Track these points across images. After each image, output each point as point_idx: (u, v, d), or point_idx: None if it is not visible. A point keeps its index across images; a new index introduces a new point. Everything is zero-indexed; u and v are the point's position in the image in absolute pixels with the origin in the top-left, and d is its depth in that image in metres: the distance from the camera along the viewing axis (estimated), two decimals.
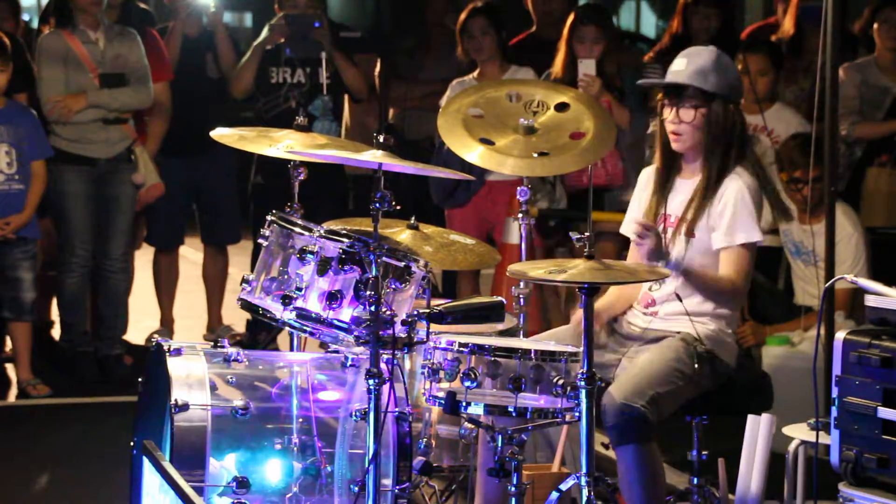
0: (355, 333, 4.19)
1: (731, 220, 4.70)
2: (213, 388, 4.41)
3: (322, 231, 4.43)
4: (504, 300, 4.36)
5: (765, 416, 4.73)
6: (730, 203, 4.72)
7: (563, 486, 4.29)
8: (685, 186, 4.84)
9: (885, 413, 4.09)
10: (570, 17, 7.31)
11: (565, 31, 7.27)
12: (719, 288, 4.72)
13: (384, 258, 4.24)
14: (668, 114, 4.80)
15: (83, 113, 7.50)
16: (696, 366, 4.65)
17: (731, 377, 4.77)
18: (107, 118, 7.57)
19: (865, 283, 4.38)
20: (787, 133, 7.13)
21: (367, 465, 4.12)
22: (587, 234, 4.31)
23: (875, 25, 7.64)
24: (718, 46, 7.48)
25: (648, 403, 4.47)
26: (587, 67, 7.02)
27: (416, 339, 4.19)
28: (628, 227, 4.89)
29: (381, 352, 4.14)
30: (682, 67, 4.79)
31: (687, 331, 4.71)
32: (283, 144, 5.02)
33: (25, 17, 8.58)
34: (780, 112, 7.28)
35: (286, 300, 4.41)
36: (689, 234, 4.76)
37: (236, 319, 8.47)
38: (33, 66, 7.60)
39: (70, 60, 7.51)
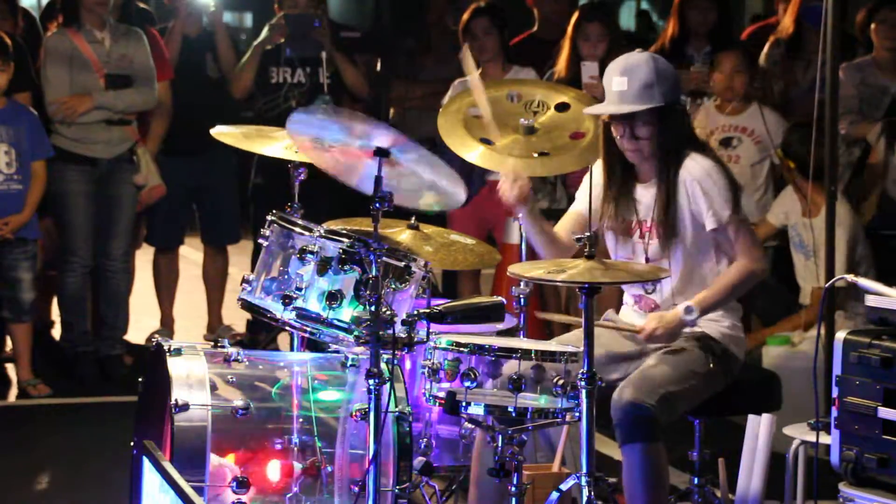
0: (355, 333, 4.18)
1: (713, 199, 4.66)
2: (214, 387, 4.41)
3: (322, 231, 4.43)
4: (504, 300, 4.36)
5: (765, 416, 4.73)
6: (696, 186, 4.67)
7: (564, 486, 4.29)
8: (646, 191, 4.79)
9: (885, 413, 4.09)
10: (575, 16, 7.31)
11: (569, 29, 7.28)
12: (738, 283, 4.67)
13: (384, 258, 4.24)
14: (619, 132, 4.72)
15: (88, 113, 7.51)
16: (712, 365, 4.65)
17: (742, 376, 4.77)
18: (111, 119, 7.57)
19: (865, 283, 4.38)
20: (764, 132, 7.14)
21: (367, 465, 4.12)
22: (587, 233, 4.31)
23: (873, 25, 7.64)
24: (715, 42, 7.59)
25: (658, 403, 4.46)
26: (591, 70, 7.01)
27: (416, 339, 4.19)
28: (577, 203, 4.89)
29: (381, 352, 4.14)
30: (625, 87, 4.65)
31: (700, 330, 4.71)
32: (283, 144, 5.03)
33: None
34: (757, 111, 7.27)
35: (286, 300, 4.41)
36: (673, 234, 4.74)
37: (236, 319, 8.47)
38: (31, 66, 7.60)
39: (76, 60, 7.51)
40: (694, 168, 4.70)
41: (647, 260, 4.76)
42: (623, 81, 4.67)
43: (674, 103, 4.72)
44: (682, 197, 4.70)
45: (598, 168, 4.89)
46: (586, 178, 4.89)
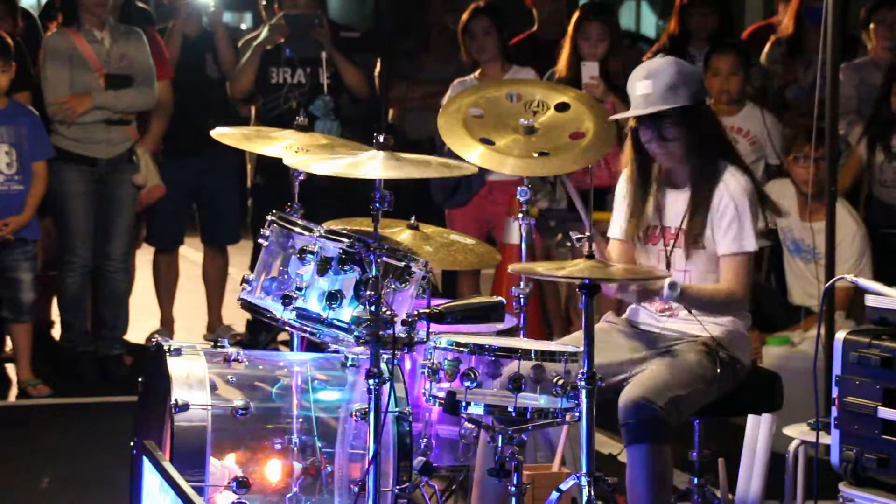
0: (355, 333, 4.18)
1: (735, 226, 4.66)
2: (213, 387, 4.41)
3: (322, 231, 4.43)
4: (504, 300, 4.35)
5: (765, 416, 4.73)
6: (730, 207, 4.67)
7: (563, 486, 4.28)
8: (678, 196, 4.78)
9: (885, 413, 4.09)
10: (575, 15, 7.31)
11: (570, 28, 7.27)
12: (718, 300, 4.69)
13: (384, 258, 4.24)
14: (647, 135, 4.72)
15: (87, 113, 7.51)
16: (719, 370, 4.64)
17: (747, 378, 4.77)
18: (111, 119, 7.58)
19: (865, 283, 4.38)
20: (762, 133, 7.14)
21: (366, 465, 4.12)
22: (587, 233, 4.30)
23: (871, 26, 7.65)
24: (717, 43, 7.58)
25: (667, 405, 4.45)
26: (591, 70, 7.01)
27: (416, 339, 4.19)
28: (616, 229, 4.90)
29: (381, 352, 4.14)
30: (650, 90, 4.65)
31: (708, 334, 4.70)
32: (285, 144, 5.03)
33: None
34: (752, 112, 7.27)
35: (286, 300, 4.41)
36: (697, 245, 4.73)
37: (236, 319, 8.47)
38: (31, 66, 7.60)
39: (75, 60, 7.51)
40: (733, 185, 4.69)
41: (668, 268, 4.75)
42: (648, 84, 4.67)
43: (700, 104, 4.73)
44: (714, 210, 4.70)
45: (623, 176, 4.89)
46: (617, 196, 4.89)
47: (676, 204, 4.78)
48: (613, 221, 4.94)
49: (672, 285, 4.54)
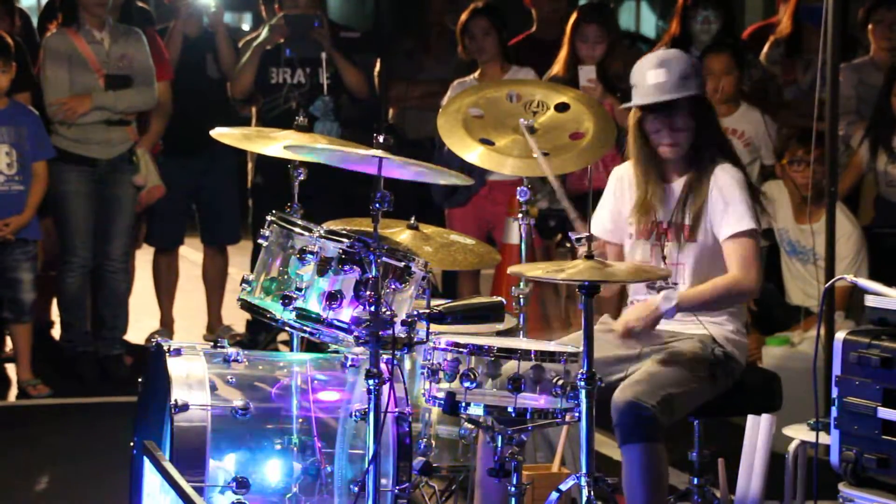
0: (355, 333, 4.18)
1: (730, 210, 4.67)
2: (213, 388, 4.41)
3: (322, 231, 4.43)
4: (504, 300, 4.35)
5: (765, 417, 4.73)
6: (720, 197, 4.69)
7: (563, 486, 4.29)
8: (671, 190, 4.81)
9: (885, 413, 4.09)
10: (573, 17, 7.30)
11: (568, 30, 7.27)
12: (721, 292, 4.67)
13: (384, 258, 4.24)
14: (657, 125, 4.73)
15: (87, 114, 7.51)
16: (714, 369, 4.64)
17: (742, 376, 4.77)
18: (111, 119, 7.58)
19: (865, 283, 4.38)
20: (756, 134, 7.14)
21: (366, 465, 4.12)
22: (587, 234, 4.30)
23: (870, 26, 7.65)
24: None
25: (659, 404, 4.46)
26: (588, 73, 7.00)
27: (415, 340, 4.19)
28: (598, 226, 4.89)
29: (381, 352, 4.14)
30: (664, 78, 4.69)
31: (704, 332, 4.70)
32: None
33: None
34: (747, 113, 7.26)
35: (286, 300, 4.41)
36: (691, 238, 4.74)
37: (236, 319, 8.48)
38: (31, 67, 7.60)
39: (75, 60, 7.51)
40: (722, 177, 4.71)
41: (665, 262, 4.75)
42: (661, 73, 4.70)
43: (704, 96, 4.77)
44: (705, 203, 4.71)
45: (624, 170, 4.89)
46: (608, 191, 4.90)
47: (671, 198, 4.79)
48: (596, 219, 4.94)
49: (667, 298, 4.56)
